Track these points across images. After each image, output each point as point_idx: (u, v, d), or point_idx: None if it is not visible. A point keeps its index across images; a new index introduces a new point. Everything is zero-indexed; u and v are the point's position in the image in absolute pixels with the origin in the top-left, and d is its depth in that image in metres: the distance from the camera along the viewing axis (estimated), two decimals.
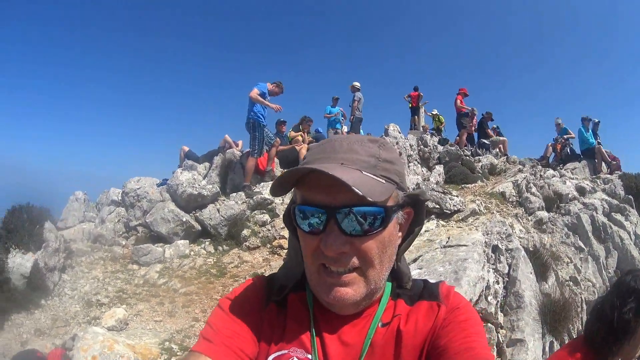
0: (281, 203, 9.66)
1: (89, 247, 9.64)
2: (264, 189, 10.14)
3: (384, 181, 1.15)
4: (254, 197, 9.75)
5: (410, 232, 1.32)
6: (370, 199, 1.04)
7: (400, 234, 1.28)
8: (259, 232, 8.93)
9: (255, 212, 9.57)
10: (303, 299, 1.34)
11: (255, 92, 10.31)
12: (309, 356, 1.24)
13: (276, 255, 8.05)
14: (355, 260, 1.16)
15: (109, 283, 8.09)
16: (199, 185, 9.53)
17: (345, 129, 16.62)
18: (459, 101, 17.82)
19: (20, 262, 7.55)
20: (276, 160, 11.99)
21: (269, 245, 8.53)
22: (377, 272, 1.20)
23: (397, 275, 1.35)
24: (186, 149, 12.97)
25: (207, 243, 8.83)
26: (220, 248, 8.63)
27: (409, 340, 1.22)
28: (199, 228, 9.08)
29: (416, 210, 1.29)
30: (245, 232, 8.88)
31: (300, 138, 13.86)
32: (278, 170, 11.91)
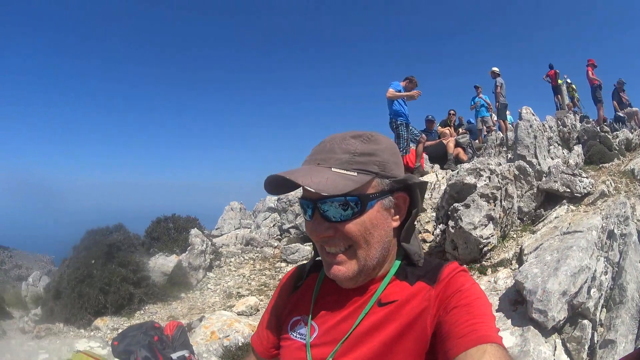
0: (429, 198, 9.60)
1: (240, 250, 10.78)
2: None
3: (355, 174, 1.29)
4: None
5: (410, 213, 1.43)
6: (324, 194, 1.22)
7: (397, 217, 1.40)
8: None
9: None
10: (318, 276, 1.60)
11: (391, 92, 10.31)
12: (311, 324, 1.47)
13: None
14: (341, 243, 1.32)
15: (253, 279, 8.91)
16: None
17: (494, 116, 15.99)
18: (590, 73, 16.31)
19: (162, 262, 9.03)
20: (425, 155, 11.92)
21: None
22: (365, 252, 1.33)
23: (407, 255, 1.45)
24: None
25: None
26: None
27: (402, 322, 1.31)
28: None
29: (410, 194, 1.41)
30: None
31: (447, 132, 13.60)
32: (427, 166, 11.86)
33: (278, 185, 1.36)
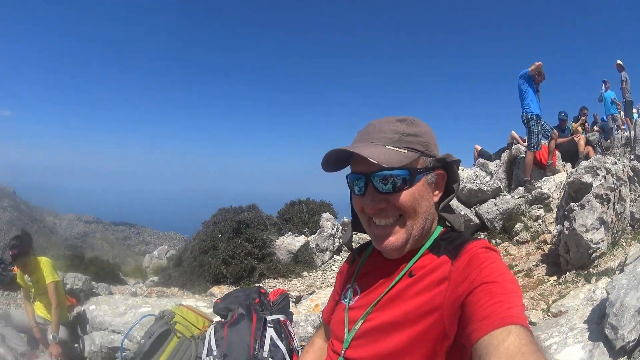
0: (558, 198, 8.99)
1: None
2: (545, 184, 9.67)
3: (405, 151, 1.48)
4: (532, 192, 9.35)
5: (449, 189, 1.62)
6: (385, 165, 1.40)
7: (437, 192, 1.58)
8: (531, 227, 8.61)
9: (532, 206, 9.23)
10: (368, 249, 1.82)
11: (531, 68, 9.77)
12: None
13: (539, 250, 7.67)
14: (392, 213, 1.49)
15: None
16: (480, 181, 9.60)
17: (622, 114, 14.63)
18: None
19: (290, 242, 9.25)
20: (558, 153, 11.27)
21: (537, 240, 8.16)
22: (413, 221, 1.50)
23: (446, 228, 1.63)
24: (479, 147, 12.98)
25: (482, 236, 8.80)
26: (493, 241, 8.56)
27: (422, 293, 1.43)
28: (477, 221, 9.16)
29: (448, 171, 1.59)
30: (518, 226, 8.67)
31: (580, 129, 12.87)
32: (560, 164, 11.19)
33: (333, 162, 1.56)
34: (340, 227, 10.20)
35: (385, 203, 1.48)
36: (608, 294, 4.29)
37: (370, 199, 1.49)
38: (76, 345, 6.14)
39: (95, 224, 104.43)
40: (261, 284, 7.97)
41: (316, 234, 9.81)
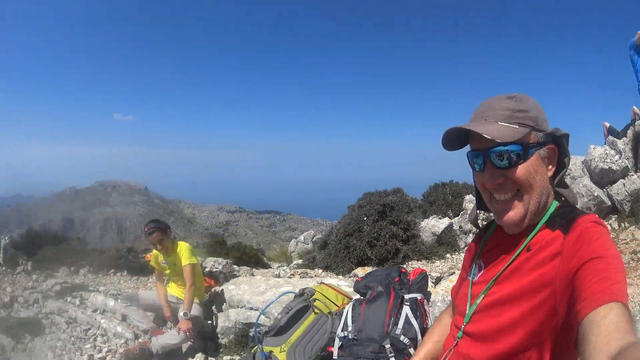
0: None
1: None
2: None
3: (516, 126, 1.56)
4: None
5: (560, 163, 1.67)
6: (498, 140, 1.51)
7: (550, 166, 1.64)
8: None
9: None
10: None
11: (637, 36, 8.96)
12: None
13: None
14: (510, 188, 1.59)
15: None
16: (610, 160, 8.98)
17: None
18: None
19: (434, 224, 9.36)
20: None
21: None
22: (529, 195, 1.58)
23: (562, 202, 1.68)
24: (607, 124, 12.09)
25: (613, 219, 8.24)
26: (622, 225, 7.96)
27: (537, 267, 1.51)
28: (609, 204, 8.56)
29: (558, 145, 1.64)
30: None
31: None
32: None
33: (452, 141, 1.69)
34: (483, 211, 9.93)
35: (503, 178, 1.58)
36: None
37: (489, 174, 1.61)
38: (209, 322, 6.41)
39: (238, 213, 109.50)
40: (404, 265, 8.00)
41: (459, 216, 9.75)
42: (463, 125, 1.60)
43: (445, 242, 9.05)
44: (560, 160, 1.66)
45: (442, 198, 10.90)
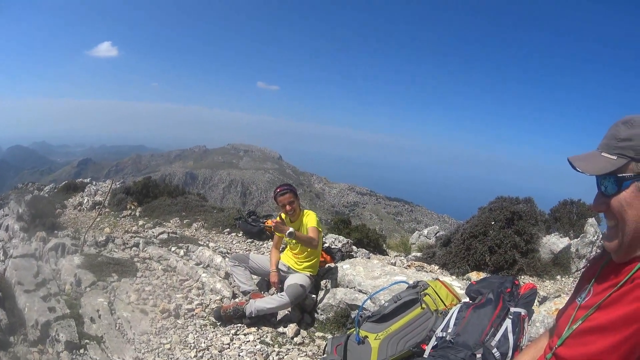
0: None
1: None
2: None
3: (614, 157, 1.56)
4: None
5: None
6: (587, 174, 1.58)
7: None
8: None
9: None
10: None
11: None
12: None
13: None
14: (611, 216, 1.61)
15: None
16: None
17: None
18: None
19: (554, 241, 9.10)
20: None
21: None
22: (624, 230, 1.56)
23: None
24: None
25: None
26: None
27: (634, 304, 1.46)
28: None
29: None
30: None
31: None
32: None
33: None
34: (601, 235, 9.62)
35: (604, 206, 1.61)
36: None
37: (595, 199, 1.66)
38: (313, 295, 6.34)
39: (368, 196, 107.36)
40: (516, 277, 7.95)
41: (578, 239, 9.42)
42: (570, 157, 1.63)
43: (559, 263, 8.82)
44: None
45: (568, 217, 10.54)
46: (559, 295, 6.27)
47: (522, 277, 8.32)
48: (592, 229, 9.50)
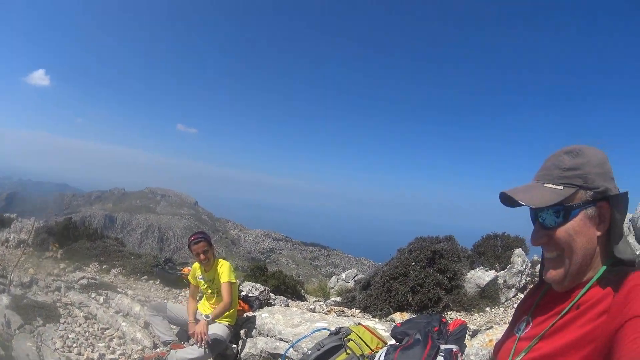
0: None
1: None
2: None
3: (561, 187, 1.57)
4: None
5: (613, 222, 1.59)
6: (533, 206, 1.56)
7: (601, 225, 1.57)
8: None
9: None
10: None
11: None
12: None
13: None
14: (554, 248, 1.60)
15: None
16: None
17: None
18: None
19: (480, 275, 9.19)
20: None
21: None
22: (570, 259, 1.57)
23: (616, 261, 1.59)
24: None
25: None
26: None
27: (585, 326, 1.48)
28: None
29: (611, 202, 1.57)
30: None
31: None
32: None
33: (510, 200, 1.65)
34: (530, 264, 9.86)
35: (546, 238, 1.60)
36: None
37: (535, 232, 1.64)
38: (234, 345, 6.25)
39: (284, 242, 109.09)
40: (444, 315, 7.97)
41: (506, 270, 9.57)
42: (507, 191, 1.63)
43: (487, 295, 8.90)
44: (614, 217, 1.58)
45: (492, 250, 10.70)
46: (491, 327, 6.22)
47: (449, 313, 8.31)
48: (520, 259, 9.64)
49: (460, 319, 3.94)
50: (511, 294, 9.11)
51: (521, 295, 9.19)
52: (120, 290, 9.90)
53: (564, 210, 1.55)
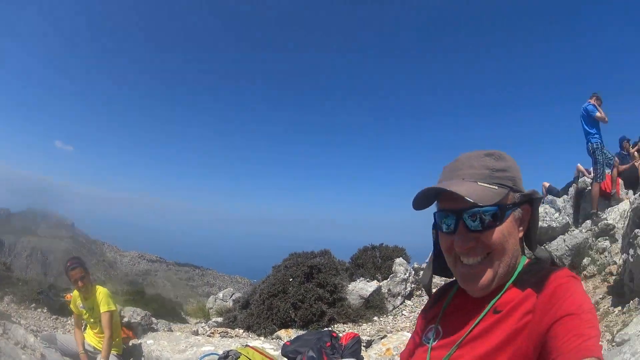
0: (622, 227, 8.58)
1: (443, 282, 10.36)
2: (610, 214, 9.35)
3: (496, 187, 1.48)
4: (598, 224, 9.03)
5: (532, 224, 1.59)
6: (480, 204, 1.41)
7: (521, 227, 1.56)
8: (598, 260, 8.31)
9: (599, 239, 8.88)
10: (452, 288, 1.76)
11: (598, 115, 9.64)
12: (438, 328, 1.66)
13: (605, 283, 7.35)
14: (481, 252, 1.49)
15: None
16: (550, 218, 9.45)
17: None
18: None
19: (362, 287, 9.21)
20: (621, 181, 10.91)
21: (603, 273, 7.80)
22: (500, 260, 1.49)
23: (531, 261, 1.59)
24: (547, 184, 12.86)
25: None
26: None
27: (508, 329, 1.41)
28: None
29: (533, 206, 1.58)
30: (585, 260, 8.37)
31: (637, 154, 12.35)
32: (622, 192, 10.81)
33: (422, 200, 1.56)
34: (413, 272, 10.14)
35: (475, 242, 1.48)
36: None
37: (461, 237, 1.49)
38: None
39: (158, 263, 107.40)
40: (330, 328, 7.99)
41: (388, 279, 9.73)
42: (443, 185, 1.51)
43: (373, 305, 8.97)
44: (530, 219, 1.59)
45: (372, 261, 10.87)
46: (385, 336, 6.27)
47: (336, 326, 8.27)
48: (402, 267, 9.84)
49: (352, 332, 3.91)
50: (398, 302, 9.26)
51: (409, 303, 9.46)
52: (15, 319, 9.20)
53: (500, 211, 1.48)
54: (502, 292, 1.50)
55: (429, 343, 1.65)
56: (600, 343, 1.23)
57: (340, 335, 4.04)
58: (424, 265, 12.24)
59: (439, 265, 1.69)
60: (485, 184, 1.48)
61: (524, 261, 1.57)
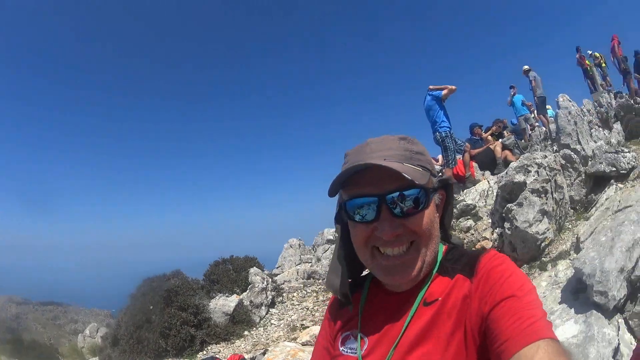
0: (484, 206, 9.40)
1: (302, 284, 10.75)
2: (467, 195, 10.01)
3: (420, 169, 1.34)
4: (457, 205, 9.58)
5: (445, 210, 1.49)
6: (417, 182, 1.25)
7: (437, 213, 1.43)
8: (464, 239, 8.72)
9: (460, 219, 9.41)
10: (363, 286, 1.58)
11: (445, 92, 10.03)
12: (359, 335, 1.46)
13: None
14: (407, 240, 1.33)
15: (317, 310, 8.91)
16: None
17: (535, 113, 15.91)
18: (616, 47, 16.49)
19: (223, 303, 9.16)
20: (475, 164, 11.74)
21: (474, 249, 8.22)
22: (427, 247, 1.35)
23: (448, 248, 1.49)
24: None
25: None
26: None
27: (447, 319, 1.30)
28: None
29: (447, 192, 1.48)
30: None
31: (490, 138, 13.46)
32: (478, 174, 11.63)
33: (336, 184, 1.36)
34: (270, 280, 10.10)
35: (402, 228, 1.32)
36: (580, 269, 4.72)
37: (388, 224, 1.31)
38: None
39: (25, 305, 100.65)
40: (205, 352, 7.78)
41: (247, 291, 9.72)
42: (376, 161, 1.29)
43: (239, 320, 8.92)
44: (445, 205, 1.49)
45: (226, 275, 10.72)
46: (266, 350, 6.30)
47: (210, 347, 8.16)
48: (258, 277, 9.87)
49: (236, 354, 3.71)
50: (263, 312, 9.29)
51: (274, 311, 9.51)
52: None
53: (425, 194, 1.33)
54: (429, 282, 1.39)
55: (355, 353, 1.45)
56: (548, 320, 1.16)
57: (224, 359, 3.78)
58: (275, 271, 12.22)
59: (352, 267, 1.51)
60: (410, 165, 1.33)
61: (441, 249, 1.46)
